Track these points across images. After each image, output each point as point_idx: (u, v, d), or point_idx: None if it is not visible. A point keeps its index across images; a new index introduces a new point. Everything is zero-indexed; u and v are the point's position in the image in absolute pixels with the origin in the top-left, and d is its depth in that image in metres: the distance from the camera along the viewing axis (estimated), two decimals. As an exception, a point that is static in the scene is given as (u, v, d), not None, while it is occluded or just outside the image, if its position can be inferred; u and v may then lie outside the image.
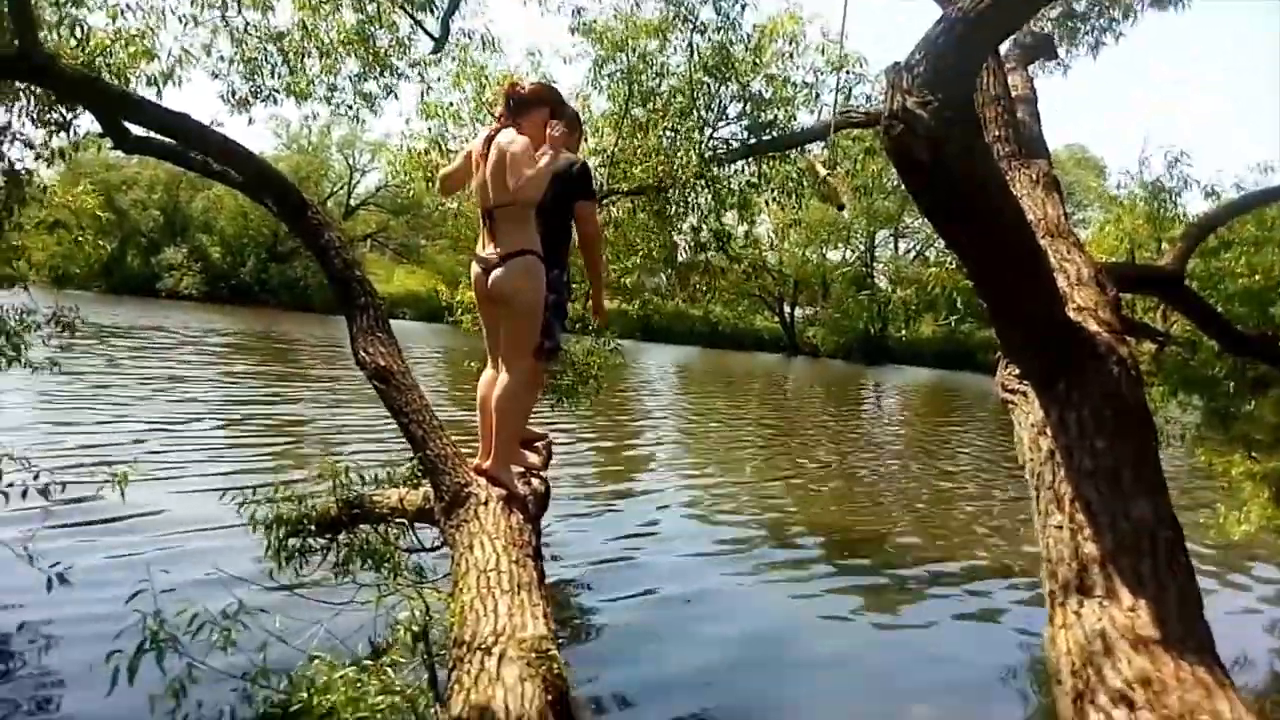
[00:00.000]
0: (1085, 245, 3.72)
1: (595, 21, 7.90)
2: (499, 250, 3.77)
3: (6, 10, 4.26)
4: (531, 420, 4.34)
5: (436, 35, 7.94)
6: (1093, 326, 2.84)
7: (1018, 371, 2.89)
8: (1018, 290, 2.65)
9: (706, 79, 7.85)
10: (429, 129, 7.85)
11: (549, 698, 2.55)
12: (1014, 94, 4.17)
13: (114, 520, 6.45)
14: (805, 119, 8.22)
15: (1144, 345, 6.60)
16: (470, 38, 8.12)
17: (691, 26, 7.83)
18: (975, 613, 6.68)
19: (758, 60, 8.01)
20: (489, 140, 3.82)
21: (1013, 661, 5.71)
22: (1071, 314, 2.86)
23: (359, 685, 2.66)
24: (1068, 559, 2.39)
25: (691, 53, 7.87)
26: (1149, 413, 2.75)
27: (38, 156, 5.44)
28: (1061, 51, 7.61)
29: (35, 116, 5.37)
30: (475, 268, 3.92)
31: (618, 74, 7.87)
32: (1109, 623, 2.19)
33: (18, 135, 5.32)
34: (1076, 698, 2.16)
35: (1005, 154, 3.75)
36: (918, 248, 51.53)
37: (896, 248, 53.79)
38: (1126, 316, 4.92)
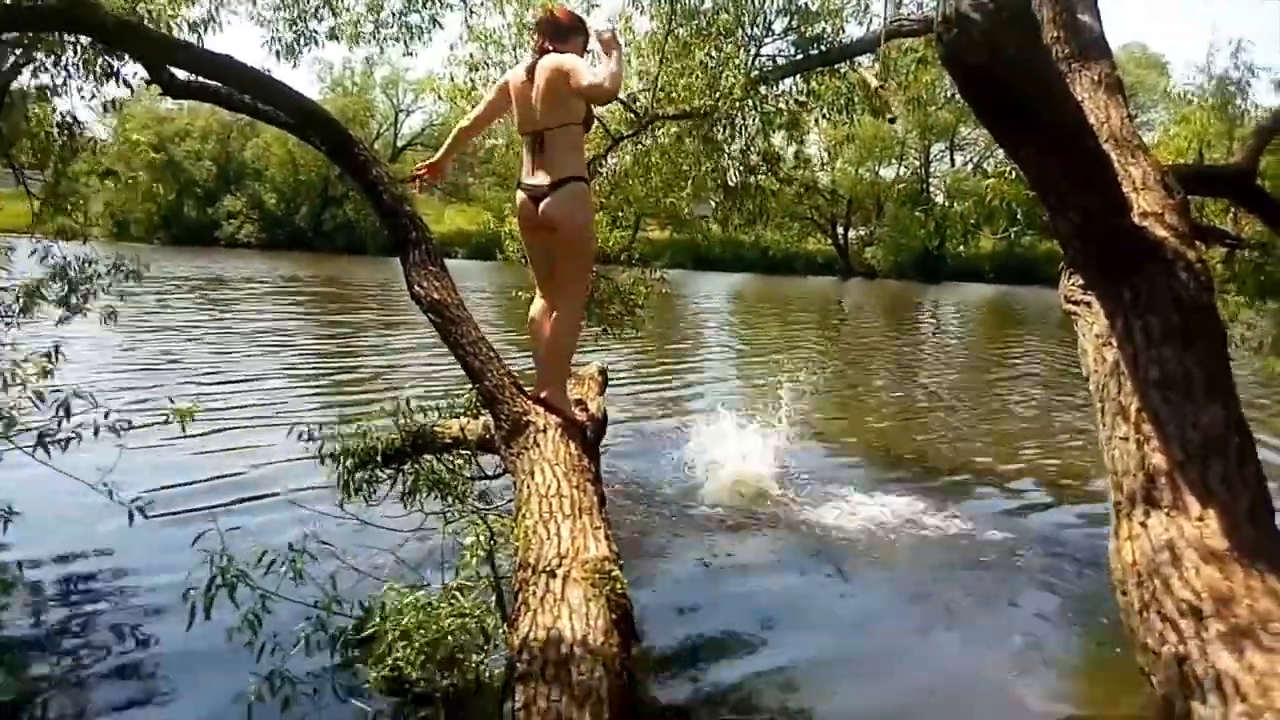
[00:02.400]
0: (1152, 148, 3.57)
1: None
2: (549, 176, 3.76)
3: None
4: (588, 350, 4.38)
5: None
6: (1159, 231, 2.74)
7: (1081, 282, 2.81)
8: (1081, 196, 2.56)
9: (751, -6, 7.61)
10: (470, 55, 7.78)
11: (613, 616, 2.61)
12: (1073, -8, 3.97)
13: (184, 461, 6.69)
14: (855, 31, 7.95)
15: (1215, 249, 6.34)
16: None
17: (734, -61, 7.56)
18: (1045, 526, 6.63)
19: (804, -28, 7.73)
20: (531, 69, 3.81)
21: (1078, 573, 5.67)
22: (1137, 219, 2.76)
23: (430, 609, 2.75)
24: (1134, 470, 2.36)
25: (735, -34, 7.62)
26: (1219, 318, 2.66)
27: (89, 107, 5.54)
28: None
29: (82, 66, 5.44)
30: (520, 195, 3.90)
31: (659, -7, 7.66)
32: (1176, 533, 2.16)
33: (64, 89, 5.40)
34: (1142, 609, 2.14)
35: (1064, 56, 3.59)
36: (975, 159, 50.01)
37: (952, 161, 52.31)
38: (1195, 220, 4.73)
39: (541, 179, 3.78)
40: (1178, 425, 2.34)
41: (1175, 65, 45.30)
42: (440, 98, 8.46)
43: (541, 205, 3.79)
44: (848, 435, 9.69)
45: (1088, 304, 2.77)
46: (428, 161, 4.34)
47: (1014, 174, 5.62)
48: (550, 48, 3.79)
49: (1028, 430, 10.51)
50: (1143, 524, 2.25)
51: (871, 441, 9.42)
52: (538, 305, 4.09)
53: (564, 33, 3.83)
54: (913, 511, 6.67)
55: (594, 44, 3.93)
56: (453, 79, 8.00)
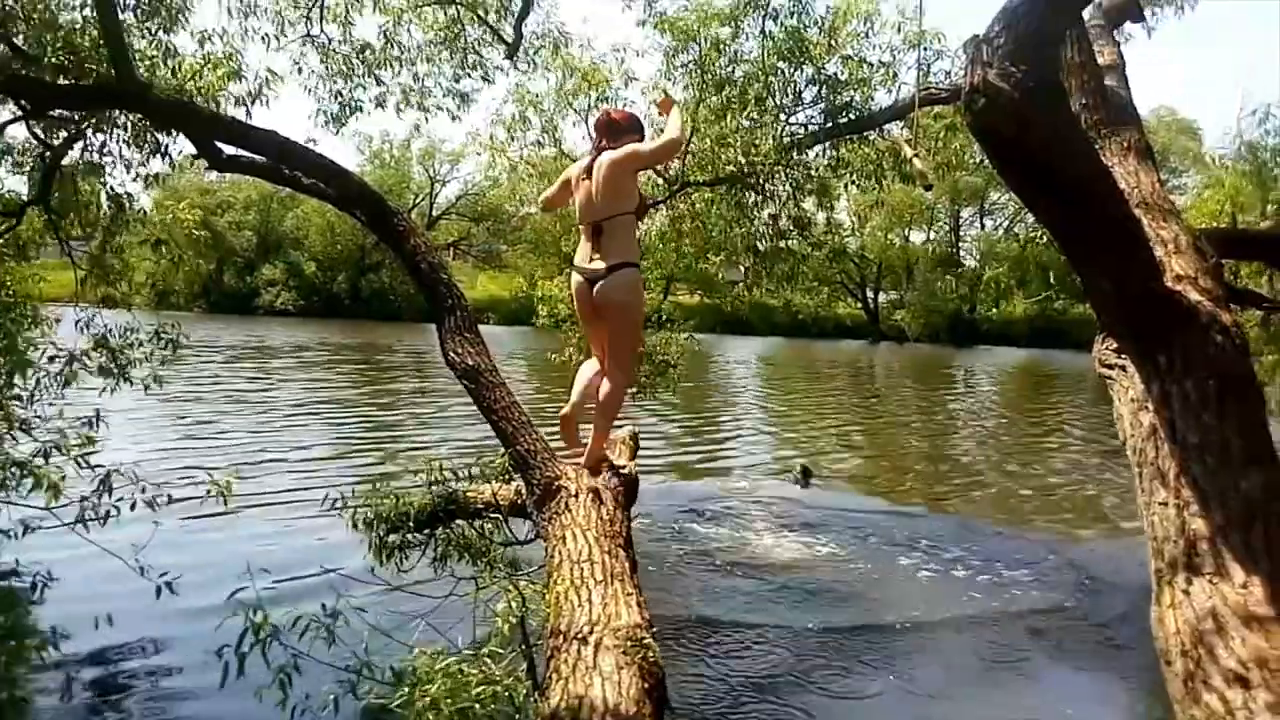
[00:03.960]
0: (1184, 212, 3.58)
1: (665, 14, 7.92)
2: (605, 262, 3.98)
3: (102, 42, 4.48)
4: (622, 416, 4.46)
5: (510, 40, 8.09)
6: (1193, 295, 2.73)
7: (1115, 346, 2.80)
8: (1113, 262, 2.57)
9: (780, 64, 7.77)
10: (511, 116, 8.09)
11: (645, 685, 2.58)
12: (1100, 61, 4.02)
13: (220, 527, 6.75)
14: (883, 99, 8.08)
15: (1250, 312, 6.29)
16: (543, 40, 8.27)
17: (763, 12, 7.76)
18: (1084, 594, 6.48)
19: (832, 42, 7.88)
20: (590, 164, 4.08)
21: (1119, 640, 5.53)
22: (1170, 283, 2.75)
23: (460, 676, 2.73)
24: (1174, 536, 2.31)
25: (764, 38, 7.81)
26: (1256, 381, 2.63)
27: (135, 178, 5.74)
28: (1148, 12, 7.27)
29: (132, 141, 5.66)
30: (576, 277, 4.13)
31: (690, 64, 7.87)
32: (1220, 600, 2.11)
33: (114, 164, 5.62)
34: (1188, 678, 2.08)
35: (1093, 123, 3.62)
36: (1006, 224, 50.00)
37: (982, 225, 52.33)
38: (1230, 283, 4.70)
39: (598, 264, 4.00)
40: (1218, 490, 2.30)
41: (1206, 125, 45.20)
42: (480, 151, 8.88)
43: (596, 288, 4.01)
44: (883, 498, 9.58)
45: (1123, 368, 2.75)
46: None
47: (1045, 239, 5.63)
48: (608, 146, 4.07)
49: (1063, 495, 10.33)
50: (1185, 591, 2.20)
51: (907, 506, 9.30)
52: (593, 363, 4.29)
53: (619, 132, 4.13)
54: (952, 579, 6.56)
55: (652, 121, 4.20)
56: (493, 138, 8.31)
